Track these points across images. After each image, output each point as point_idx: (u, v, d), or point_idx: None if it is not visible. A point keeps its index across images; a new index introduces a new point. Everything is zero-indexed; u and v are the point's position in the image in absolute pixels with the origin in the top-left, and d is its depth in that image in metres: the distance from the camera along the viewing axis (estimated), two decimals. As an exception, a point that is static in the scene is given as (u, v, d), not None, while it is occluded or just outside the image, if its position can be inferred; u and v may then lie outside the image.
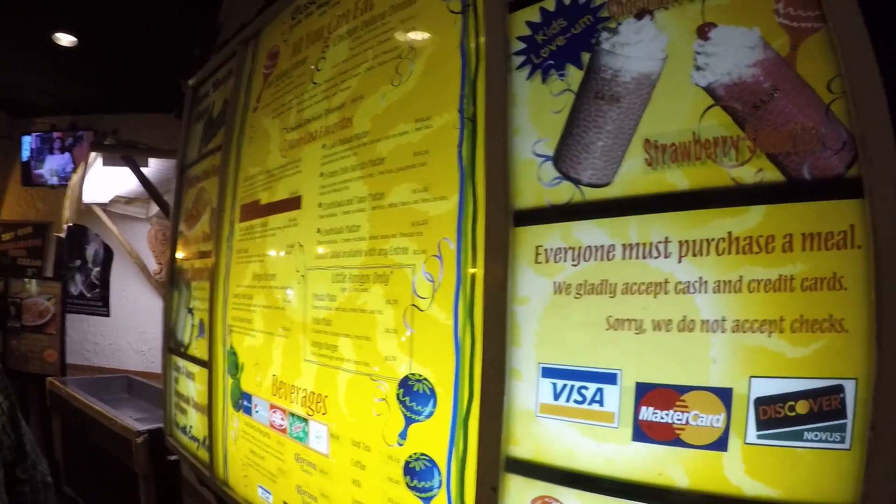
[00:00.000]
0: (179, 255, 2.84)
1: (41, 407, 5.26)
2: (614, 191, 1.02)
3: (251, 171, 2.17)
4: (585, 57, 1.09)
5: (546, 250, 1.09)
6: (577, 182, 1.07)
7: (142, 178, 4.30)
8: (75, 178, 5.13)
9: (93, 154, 4.88)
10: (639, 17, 1.02)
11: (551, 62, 1.14)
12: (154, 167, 4.58)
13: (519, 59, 1.20)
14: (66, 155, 5.75)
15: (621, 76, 1.03)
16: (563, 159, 1.10)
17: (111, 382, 5.34)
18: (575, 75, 1.10)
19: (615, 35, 1.05)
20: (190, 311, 2.62)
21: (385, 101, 1.58)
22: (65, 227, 5.63)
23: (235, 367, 2.14)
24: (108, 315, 6.21)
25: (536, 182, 1.13)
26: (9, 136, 6.28)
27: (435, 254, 1.31)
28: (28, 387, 5.53)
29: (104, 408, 4.03)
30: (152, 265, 6.07)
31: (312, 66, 1.91)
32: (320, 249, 1.72)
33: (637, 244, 0.98)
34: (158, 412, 4.41)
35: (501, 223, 1.15)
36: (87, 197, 5.40)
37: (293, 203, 1.87)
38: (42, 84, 5.43)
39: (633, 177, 1.00)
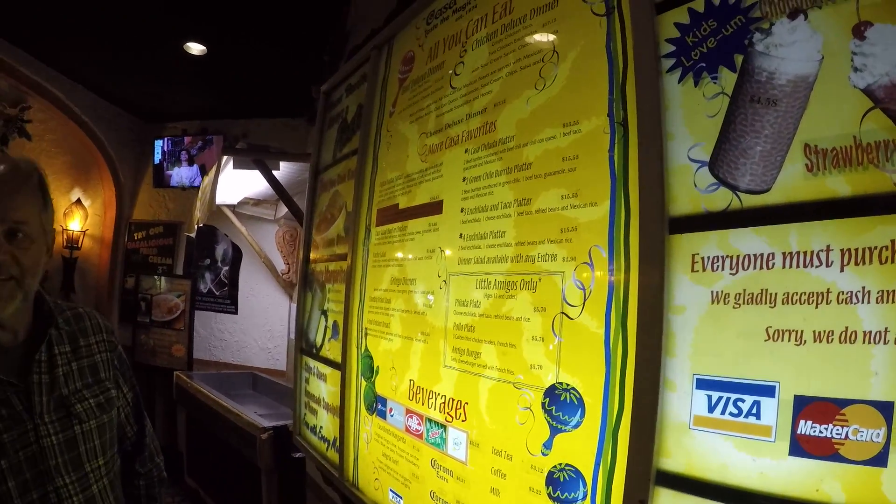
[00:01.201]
0: (313, 257, 3.01)
1: (168, 400, 5.64)
2: (774, 197, 1.01)
3: (389, 176, 2.27)
4: (738, 59, 1.08)
5: (703, 258, 1.08)
6: (734, 188, 1.06)
7: (272, 181, 4.57)
8: (206, 180, 5.49)
9: (223, 157, 5.22)
10: (792, 17, 1.01)
11: (703, 65, 1.14)
12: (283, 170, 4.84)
13: (669, 62, 1.20)
14: (195, 168, 6.20)
15: (777, 78, 1.02)
16: (719, 165, 1.09)
17: (236, 378, 5.62)
18: (728, 78, 1.10)
19: (768, 36, 1.04)
20: (324, 312, 2.77)
21: (530, 106, 1.61)
22: (196, 226, 6.05)
23: (370, 371, 2.24)
24: (235, 313, 6.64)
25: (692, 188, 1.13)
26: (141, 140, 6.82)
27: (586, 261, 1.32)
28: (155, 380, 5.93)
29: (230, 403, 4.26)
30: (280, 265, 6.41)
31: (451, 71, 1.98)
32: (463, 255, 1.77)
33: (798, 252, 0.96)
34: (282, 409, 4.66)
35: (657, 230, 1.15)
36: (218, 199, 5.79)
37: (434, 207, 1.94)
38: (173, 92, 5.84)
39: (792, 183, 0.99)
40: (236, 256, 6.67)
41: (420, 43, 2.20)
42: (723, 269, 1.05)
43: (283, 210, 5.97)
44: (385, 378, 2.15)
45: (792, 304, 0.96)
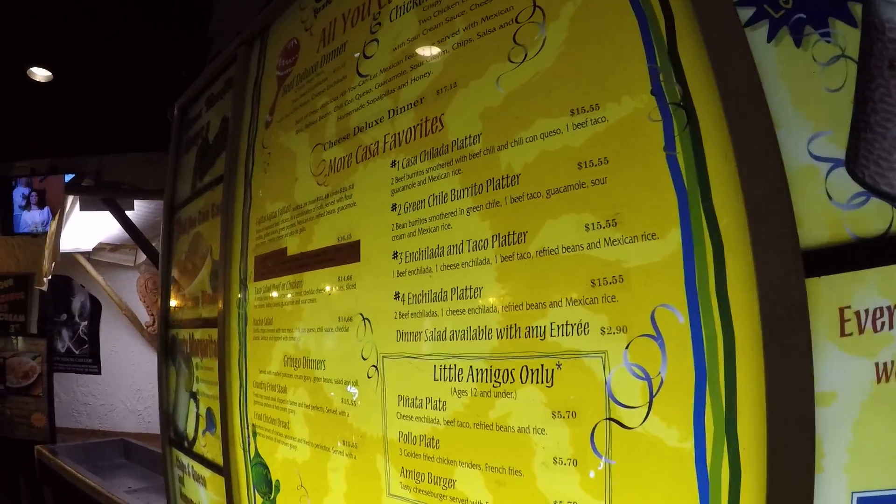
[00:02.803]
0: (173, 319, 2.15)
1: (31, 477, 4.71)
2: None
3: (269, 209, 1.50)
4: (857, 8, 0.69)
5: (857, 313, 0.64)
6: (893, 199, 0.64)
7: (125, 223, 3.63)
8: (53, 225, 4.47)
9: (69, 197, 4.21)
10: None
11: (801, 16, 0.72)
12: (138, 210, 3.91)
13: (746, 12, 0.74)
14: (46, 210, 5.14)
15: None
16: (864, 163, 0.67)
17: (106, 448, 4.84)
18: (848, 35, 0.69)
19: None
20: (193, 395, 1.93)
21: (503, 87, 0.96)
22: (45, 279, 4.96)
23: (268, 485, 1.46)
24: (98, 373, 5.71)
25: (825, 201, 0.67)
26: (-16, 181, 5.57)
27: (647, 332, 0.76)
28: (17, 455, 4.92)
29: (97, 481, 3.68)
30: (144, 317, 5.44)
31: (357, 54, 1.26)
32: (405, 326, 1.07)
33: None
34: (159, 480, 4.00)
35: (787, 273, 0.65)
36: (67, 245, 4.73)
37: (346, 252, 1.21)
38: (18, 123, 4.77)
39: None
40: (95, 309, 5.61)
41: (307, 26, 1.48)
42: (891, 326, 0.63)
43: (144, 255, 5.00)
44: (291, 499, 1.38)
45: None
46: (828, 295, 0.66)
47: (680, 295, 0.74)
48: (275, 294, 1.45)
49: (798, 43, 0.72)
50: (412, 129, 1.09)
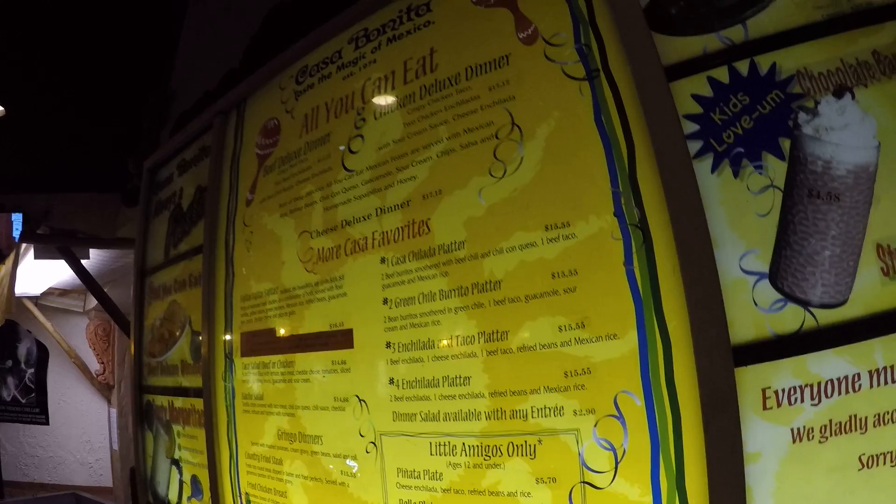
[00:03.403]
0: (149, 384, 2.19)
1: None
2: (852, 310, 0.84)
3: (255, 288, 1.59)
4: (785, 144, 0.88)
5: (777, 392, 0.85)
6: (806, 304, 0.86)
7: (81, 273, 3.59)
8: (2, 269, 4.36)
9: (22, 245, 4.13)
10: (838, 94, 0.86)
11: (740, 150, 0.90)
12: (93, 257, 3.88)
13: (694, 146, 0.92)
14: None
15: (835, 168, 0.87)
16: (783, 276, 0.88)
17: (56, 503, 4.51)
18: (776, 167, 0.88)
19: (815, 117, 0.87)
20: (175, 462, 1.98)
21: (485, 199, 1.10)
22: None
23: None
24: (46, 423, 5.53)
25: (752, 307, 0.87)
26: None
27: (611, 413, 0.95)
28: None
29: None
30: (94, 365, 5.29)
31: (342, 147, 1.38)
32: (401, 408, 1.19)
33: (885, 368, 0.82)
34: None
35: (720, 365, 0.85)
36: (17, 290, 4.63)
37: (339, 339, 1.32)
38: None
39: (870, 290, 0.83)
40: (42, 356, 5.47)
41: (288, 108, 1.58)
42: (802, 400, 0.84)
43: (94, 301, 4.92)
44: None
45: (885, 424, 0.82)
46: (752, 379, 0.85)
47: (637, 383, 0.92)
48: (265, 371, 1.54)
49: (736, 174, 0.90)
50: (400, 229, 1.21)
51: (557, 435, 0.99)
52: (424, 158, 1.20)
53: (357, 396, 1.27)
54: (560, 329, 1.00)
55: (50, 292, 5.06)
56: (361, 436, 1.26)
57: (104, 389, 5.27)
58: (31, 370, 5.47)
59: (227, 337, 1.68)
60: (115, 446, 5.17)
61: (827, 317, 0.84)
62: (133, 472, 4.90)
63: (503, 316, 1.06)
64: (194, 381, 1.84)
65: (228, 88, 2.13)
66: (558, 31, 1.09)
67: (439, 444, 1.13)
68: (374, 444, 1.23)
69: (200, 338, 1.79)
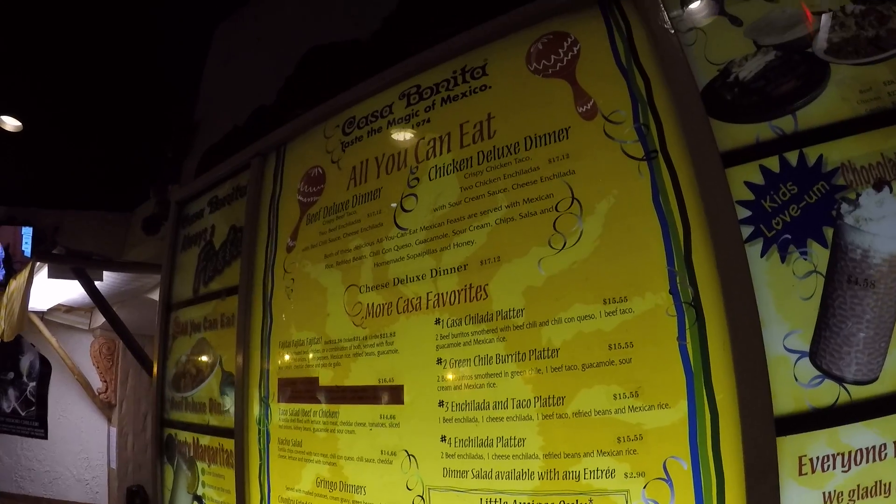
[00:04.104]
0: (171, 418, 2.19)
1: None
2: (883, 386, 0.89)
3: (295, 335, 1.60)
4: (828, 232, 0.94)
5: (812, 460, 0.90)
6: (841, 380, 0.91)
7: (94, 295, 3.57)
8: (12, 285, 4.31)
9: (36, 263, 4.10)
10: (877, 188, 0.92)
11: (787, 236, 0.97)
12: (105, 277, 3.86)
13: (747, 231, 0.98)
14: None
15: (872, 257, 0.92)
16: (822, 355, 0.94)
17: None
18: (820, 254, 0.94)
19: (857, 208, 0.93)
20: (198, 498, 1.98)
21: (545, 270, 1.14)
22: (-1, 339, 4.76)
23: None
24: (45, 437, 5.43)
25: (793, 383, 0.93)
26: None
27: (660, 476, 1.00)
28: None
29: None
30: (96, 383, 5.23)
31: (394, 204, 1.40)
32: (452, 465, 1.21)
33: None
34: None
35: (764, 435, 0.91)
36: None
37: (388, 394, 1.34)
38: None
39: None
40: (45, 371, 5.40)
41: (334, 158, 1.60)
42: (834, 467, 0.90)
43: (101, 319, 4.87)
44: None
45: (906, 490, 0.85)
46: (791, 447, 0.91)
47: (685, 449, 0.97)
48: (305, 419, 1.54)
49: (783, 259, 0.96)
50: (456, 292, 1.23)
51: (608, 495, 1.03)
52: (482, 224, 1.22)
53: (406, 451, 1.29)
54: (615, 397, 1.04)
55: (56, 308, 5.01)
56: (409, 489, 1.27)
57: (105, 408, 5.21)
58: (33, 383, 5.39)
59: (263, 382, 1.68)
60: (113, 465, 5.12)
61: (859, 392, 0.90)
62: (129, 491, 4.86)
63: (560, 382, 1.10)
64: (224, 421, 1.84)
65: (259, 125, 2.16)
66: (617, 109, 1.13)
67: (490, 500, 1.15)
68: (422, 498, 1.25)
69: (232, 378, 1.79)
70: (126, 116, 3.64)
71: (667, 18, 1.11)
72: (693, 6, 1.12)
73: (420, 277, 1.31)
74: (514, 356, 1.14)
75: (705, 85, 1.07)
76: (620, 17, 1.19)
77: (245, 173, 1.96)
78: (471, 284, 1.21)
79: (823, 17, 1.02)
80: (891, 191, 0.92)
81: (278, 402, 1.63)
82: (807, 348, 0.94)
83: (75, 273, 3.60)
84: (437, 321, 1.26)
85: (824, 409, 0.92)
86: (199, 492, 1.98)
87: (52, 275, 3.74)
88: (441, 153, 1.33)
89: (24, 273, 3.84)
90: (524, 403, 1.13)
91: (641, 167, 1.08)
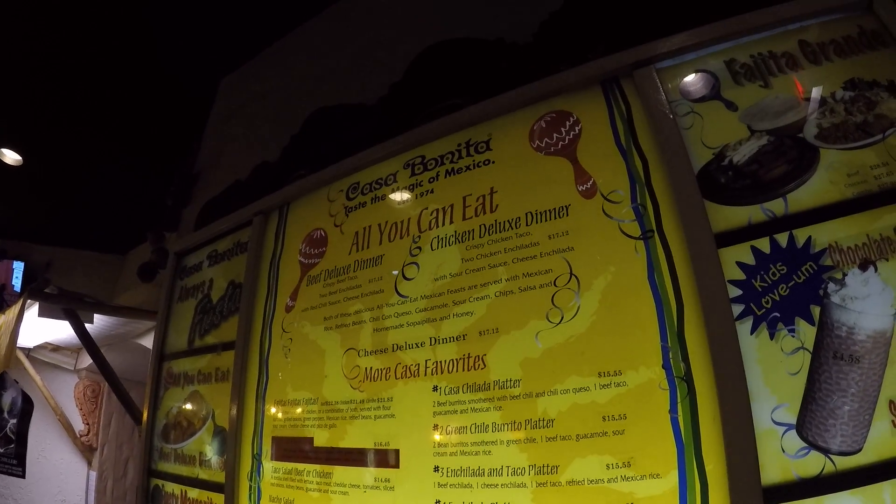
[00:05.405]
0: (159, 469, 2.14)
1: None
2: (866, 457, 0.90)
3: (291, 395, 1.59)
4: (815, 310, 0.97)
5: None
6: (826, 451, 0.93)
7: (84, 337, 3.53)
8: (2, 319, 4.23)
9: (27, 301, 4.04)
10: (863, 268, 0.96)
11: (777, 314, 0.99)
12: (96, 321, 3.82)
13: (737, 309, 1.01)
14: None
15: (857, 334, 0.95)
16: (808, 427, 0.96)
17: None
18: (807, 332, 0.97)
19: (843, 287, 0.96)
20: (183, 554, 1.92)
21: (542, 343, 1.15)
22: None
23: None
24: (23, 476, 5.19)
25: (780, 454, 0.95)
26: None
27: None
28: None
29: None
30: (78, 424, 5.10)
31: (395, 272, 1.41)
32: None
33: None
34: None
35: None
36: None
37: (384, 457, 1.33)
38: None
39: (882, 440, 0.90)
40: (27, 408, 5.23)
41: (337, 222, 1.62)
42: None
43: (87, 360, 4.79)
44: None
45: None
46: None
47: None
48: (298, 478, 1.52)
49: (772, 336, 0.98)
50: (455, 361, 1.25)
51: (600, 563, 1.03)
52: (482, 296, 1.24)
53: (400, 516, 1.27)
54: (608, 466, 1.05)
55: (43, 346, 4.93)
56: (403, 554, 1.26)
57: (86, 450, 5.07)
58: (14, 420, 5.22)
59: (256, 439, 1.67)
60: (91, 510, 4.96)
61: (844, 463, 0.91)
62: (107, 538, 4.68)
63: (554, 451, 1.11)
64: (214, 475, 1.81)
65: (261, 181, 2.18)
66: (616, 188, 1.17)
67: (485, 568, 1.14)
68: (417, 563, 1.23)
69: (224, 433, 1.77)
70: (127, 161, 3.66)
71: (665, 101, 1.16)
72: (691, 89, 1.17)
73: (419, 345, 1.32)
74: (510, 425, 1.15)
75: (701, 168, 1.11)
76: (621, 97, 1.24)
77: (246, 229, 1.98)
78: (469, 354, 1.23)
79: (814, 103, 1.07)
80: (875, 270, 0.95)
81: (271, 459, 1.61)
82: (794, 421, 0.96)
83: (66, 314, 3.56)
84: (435, 388, 1.26)
85: (810, 479, 0.93)
86: (185, 546, 1.93)
87: (42, 314, 3.70)
88: (444, 224, 1.36)
89: (15, 309, 3.79)
90: (519, 471, 1.13)
91: (638, 246, 1.11)
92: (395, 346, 1.36)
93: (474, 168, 1.38)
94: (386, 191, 1.53)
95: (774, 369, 0.98)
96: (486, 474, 1.17)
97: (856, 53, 1.08)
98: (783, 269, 1.01)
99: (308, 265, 1.67)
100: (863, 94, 1.05)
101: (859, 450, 0.92)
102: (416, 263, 1.38)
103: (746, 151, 1.10)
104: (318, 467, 1.47)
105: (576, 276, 1.14)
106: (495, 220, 1.28)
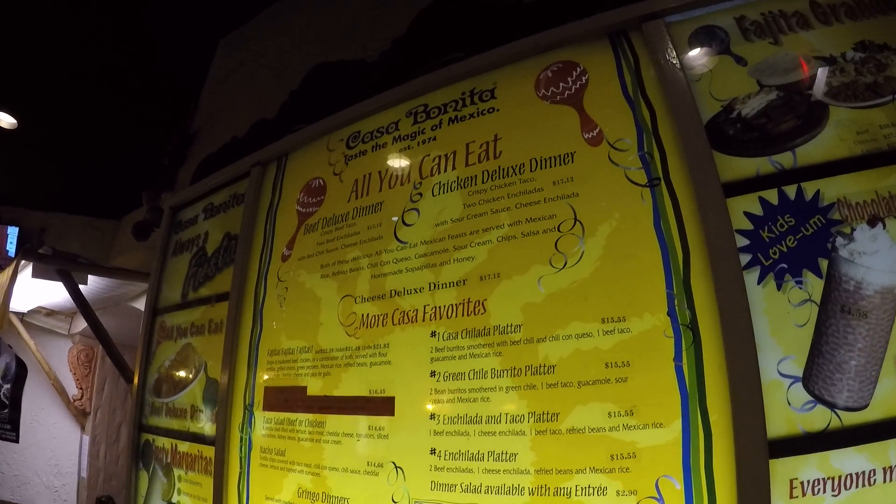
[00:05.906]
0: (150, 424, 2.12)
1: None
2: (873, 414, 0.89)
3: (285, 344, 1.56)
4: (823, 263, 0.95)
5: (802, 483, 0.90)
6: (832, 406, 0.92)
7: (77, 298, 3.48)
8: None
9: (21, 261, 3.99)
10: (871, 223, 0.94)
11: (784, 266, 0.97)
12: (90, 282, 3.76)
13: (745, 258, 0.99)
14: None
15: (865, 289, 0.93)
16: (814, 381, 0.94)
17: None
18: (815, 284, 0.95)
19: (851, 242, 0.95)
20: (172, 507, 1.90)
21: (544, 288, 1.12)
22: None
23: None
24: (16, 441, 5.20)
25: (786, 407, 0.93)
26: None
27: (652, 495, 0.98)
28: None
29: None
30: (72, 389, 5.07)
31: (395, 218, 1.38)
32: (440, 478, 1.17)
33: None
34: None
35: (757, 457, 0.91)
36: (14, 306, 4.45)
37: (379, 405, 1.30)
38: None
39: (889, 397, 0.88)
40: (20, 373, 5.20)
41: (336, 170, 1.58)
42: (824, 491, 0.89)
43: (81, 325, 4.75)
44: None
45: (895, 516, 0.84)
46: (782, 470, 0.90)
47: (678, 469, 0.96)
48: (290, 428, 1.50)
49: (779, 287, 0.97)
50: (454, 306, 1.21)
51: (598, 512, 1.01)
52: (484, 241, 1.21)
53: (393, 463, 1.25)
54: (609, 415, 1.03)
55: (37, 311, 4.88)
56: (394, 501, 1.23)
57: (79, 415, 5.05)
58: (8, 385, 5.19)
59: (248, 389, 1.64)
60: (84, 474, 4.95)
61: (850, 418, 0.90)
62: (98, 501, 4.69)
63: (555, 398, 1.08)
64: (204, 428, 1.79)
65: (259, 137, 2.13)
66: (622, 137, 1.14)
67: (479, 516, 1.11)
68: (408, 513, 1.21)
69: (216, 385, 1.74)
70: (122, 122, 3.59)
71: (674, 54, 1.13)
72: (700, 44, 1.14)
73: (418, 290, 1.29)
74: (509, 371, 1.12)
75: (709, 119, 1.08)
76: (629, 49, 1.21)
77: (243, 181, 1.94)
78: (469, 299, 1.20)
79: (824, 61, 1.04)
80: (884, 227, 0.93)
81: (263, 410, 1.58)
82: (800, 374, 0.95)
83: (60, 275, 3.51)
84: (433, 334, 1.23)
85: (816, 433, 0.92)
86: (174, 499, 1.91)
87: (36, 275, 3.64)
88: (446, 170, 1.33)
89: (8, 271, 3.74)
90: (518, 418, 1.11)
91: (644, 193, 1.08)
92: (393, 292, 1.33)
93: (478, 116, 1.34)
94: (387, 139, 1.49)
95: (781, 320, 0.96)
96: (483, 421, 1.14)
97: (867, 17, 1.06)
98: (791, 221, 0.99)
99: (306, 214, 1.63)
100: (873, 56, 1.03)
101: (865, 406, 0.90)
102: (416, 209, 1.35)
103: (755, 105, 1.07)
104: (310, 416, 1.45)
105: (580, 222, 1.11)
106: (499, 167, 1.25)
